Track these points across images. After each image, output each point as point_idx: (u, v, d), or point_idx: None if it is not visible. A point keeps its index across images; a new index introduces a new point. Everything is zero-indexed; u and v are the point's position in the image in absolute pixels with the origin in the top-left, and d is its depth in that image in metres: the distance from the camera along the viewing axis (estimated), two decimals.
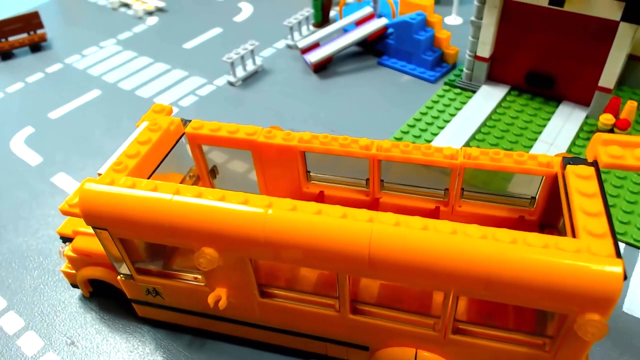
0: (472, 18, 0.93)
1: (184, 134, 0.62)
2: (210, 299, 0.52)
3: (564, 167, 0.50)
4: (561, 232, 0.51)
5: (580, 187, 0.47)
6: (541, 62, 0.92)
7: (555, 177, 0.52)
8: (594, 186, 0.47)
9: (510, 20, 0.90)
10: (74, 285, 0.68)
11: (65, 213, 0.52)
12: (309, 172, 0.66)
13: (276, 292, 0.53)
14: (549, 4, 0.82)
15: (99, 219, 0.50)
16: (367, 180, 0.63)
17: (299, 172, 0.64)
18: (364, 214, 0.45)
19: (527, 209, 0.59)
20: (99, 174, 0.53)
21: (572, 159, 0.50)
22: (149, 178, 0.56)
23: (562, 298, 0.41)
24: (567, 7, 0.82)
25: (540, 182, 0.57)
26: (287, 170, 0.64)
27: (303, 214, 0.46)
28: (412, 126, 0.91)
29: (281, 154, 0.62)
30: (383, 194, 0.63)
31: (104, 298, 0.67)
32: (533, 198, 0.58)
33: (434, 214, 0.60)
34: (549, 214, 0.57)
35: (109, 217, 0.49)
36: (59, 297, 0.68)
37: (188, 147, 0.65)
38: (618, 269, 0.39)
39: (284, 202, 0.47)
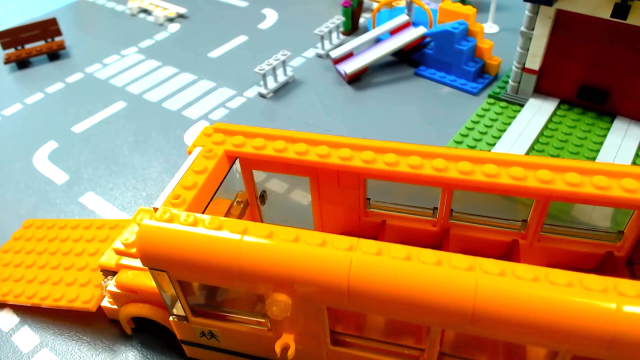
0: (522, 28, 0.88)
1: (237, 158, 0.57)
2: (278, 347, 0.47)
3: None
4: None
5: None
6: (594, 75, 0.87)
7: None
8: None
9: (564, 31, 0.85)
10: (114, 320, 0.63)
11: (120, 253, 0.47)
12: (369, 199, 0.61)
13: (349, 340, 0.48)
14: (611, 16, 0.78)
15: (158, 261, 0.45)
16: (435, 209, 0.58)
17: (359, 199, 0.59)
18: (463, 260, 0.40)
19: (614, 244, 0.54)
20: (155, 208, 0.48)
21: None
22: (204, 210, 0.51)
23: (558, 337, 0.37)
24: (630, 20, 0.77)
25: (630, 216, 0.52)
26: (346, 197, 0.59)
27: (390, 258, 0.41)
28: (460, 142, 0.86)
29: (341, 178, 0.57)
30: (452, 224, 0.58)
31: (147, 335, 0.62)
32: (620, 232, 0.54)
33: (511, 248, 0.56)
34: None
35: (170, 259, 0.45)
36: (97, 333, 0.63)
37: (237, 172, 0.60)
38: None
39: (369, 244, 0.42)
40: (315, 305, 0.44)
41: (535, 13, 0.85)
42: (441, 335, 0.45)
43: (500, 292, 0.38)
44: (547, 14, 0.84)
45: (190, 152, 0.55)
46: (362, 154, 0.52)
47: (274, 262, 0.43)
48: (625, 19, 0.77)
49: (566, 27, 0.85)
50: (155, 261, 0.45)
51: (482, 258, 0.40)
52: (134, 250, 0.46)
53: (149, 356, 0.60)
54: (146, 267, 0.47)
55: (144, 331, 0.62)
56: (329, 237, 0.43)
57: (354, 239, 0.43)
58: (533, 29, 0.87)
